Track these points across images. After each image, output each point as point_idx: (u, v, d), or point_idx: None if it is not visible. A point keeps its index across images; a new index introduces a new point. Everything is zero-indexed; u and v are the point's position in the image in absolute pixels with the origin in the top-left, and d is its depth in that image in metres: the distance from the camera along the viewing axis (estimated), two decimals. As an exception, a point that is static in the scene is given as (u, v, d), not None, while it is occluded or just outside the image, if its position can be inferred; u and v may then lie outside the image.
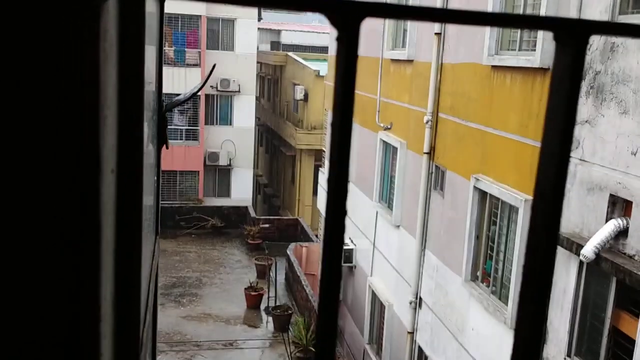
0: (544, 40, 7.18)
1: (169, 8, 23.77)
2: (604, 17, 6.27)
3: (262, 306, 17.65)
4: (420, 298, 10.88)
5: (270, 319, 16.78)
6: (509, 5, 8.33)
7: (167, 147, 2.03)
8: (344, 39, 0.39)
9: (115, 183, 0.73)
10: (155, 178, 2.08)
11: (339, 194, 0.41)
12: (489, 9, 8.42)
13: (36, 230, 0.54)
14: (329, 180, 0.41)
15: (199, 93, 24.90)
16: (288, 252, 19.23)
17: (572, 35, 0.43)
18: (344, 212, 0.42)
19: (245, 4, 0.41)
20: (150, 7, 1.65)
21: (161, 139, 1.97)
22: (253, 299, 17.63)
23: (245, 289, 17.86)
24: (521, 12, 8.01)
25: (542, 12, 7.24)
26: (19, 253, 0.55)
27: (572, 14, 6.69)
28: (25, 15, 0.48)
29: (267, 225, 23.18)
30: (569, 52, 0.42)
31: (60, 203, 0.53)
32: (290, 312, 16.65)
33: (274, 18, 45.00)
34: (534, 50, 7.50)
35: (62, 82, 0.50)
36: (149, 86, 1.72)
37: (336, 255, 0.43)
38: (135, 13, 0.85)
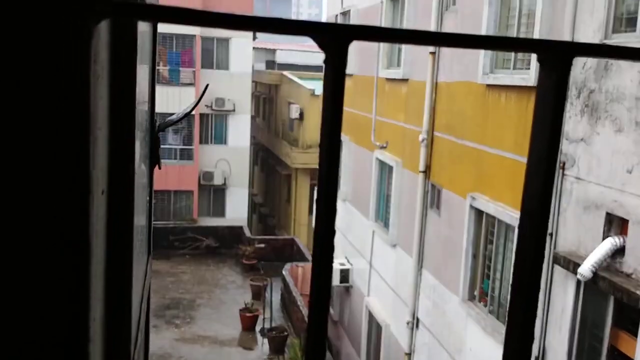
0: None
1: (163, 28, 23.93)
2: (597, 35, 6.31)
3: (258, 328, 17.48)
4: (418, 318, 10.79)
5: (266, 340, 16.61)
6: (502, 25, 8.39)
7: (159, 168, 2.00)
8: (331, 61, 0.38)
9: (106, 204, 0.72)
10: (148, 198, 2.05)
11: (328, 214, 0.39)
12: (483, 28, 8.48)
13: (24, 250, 0.55)
14: (318, 201, 0.41)
15: (192, 112, 24.94)
16: (284, 272, 19.12)
17: (556, 58, 0.43)
18: (332, 231, 0.41)
19: (235, 28, 0.41)
20: (143, 26, 1.63)
21: (154, 159, 1.94)
22: (248, 321, 17.46)
23: (240, 310, 17.70)
24: (515, 31, 8.07)
25: (536, 31, 7.29)
26: (5, 273, 0.55)
27: (566, 32, 6.73)
28: (16, 37, 0.48)
29: (262, 245, 23.06)
30: (553, 74, 0.43)
31: (49, 224, 0.54)
32: (286, 333, 16.49)
33: (269, 37, 45.36)
34: (529, 68, 7.54)
35: (52, 103, 0.50)
36: (142, 106, 1.69)
37: (326, 272, 0.42)
38: (127, 35, 0.84)
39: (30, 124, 0.51)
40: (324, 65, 0.40)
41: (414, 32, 0.42)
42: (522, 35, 7.95)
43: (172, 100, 24.01)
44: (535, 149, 0.44)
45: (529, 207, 0.45)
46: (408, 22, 11.25)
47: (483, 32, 8.53)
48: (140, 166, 1.68)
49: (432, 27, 10.12)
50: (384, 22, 12.41)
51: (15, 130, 0.51)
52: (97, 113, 0.59)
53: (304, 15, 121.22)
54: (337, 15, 15.66)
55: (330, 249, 0.42)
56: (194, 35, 25.05)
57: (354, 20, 14.40)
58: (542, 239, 0.45)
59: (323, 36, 0.39)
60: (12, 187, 0.52)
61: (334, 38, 0.38)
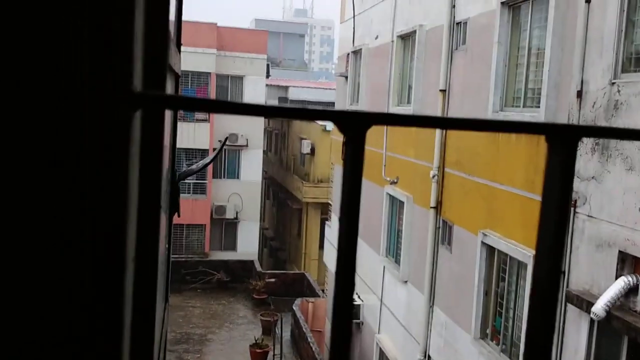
0: (548, 97, 7.29)
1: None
2: (607, 75, 6.38)
3: (268, 363, 17.28)
4: (429, 356, 10.65)
5: (276, 376, 16.40)
6: (512, 64, 8.50)
7: (179, 216, 2.06)
8: (351, 146, 0.43)
9: (133, 270, 0.76)
10: (167, 246, 2.09)
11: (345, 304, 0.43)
12: (493, 67, 8.59)
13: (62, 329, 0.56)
14: (336, 277, 0.43)
15: (207, 148, 25.21)
16: (294, 307, 18.97)
17: (563, 139, 0.45)
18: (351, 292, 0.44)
19: (261, 114, 0.45)
20: (168, 87, 1.71)
21: (174, 208, 1.99)
22: (258, 357, 17.28)
23: (250, 346, 17.54)
24: (524, 70, 8.16)
25: (545, 71, 7.38)
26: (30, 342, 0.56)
27: (575, 72, 6.81)
28: (72, 120, 0.53)
29: (272, 280, 22.96)
30: (560, 153, 0.45)
31: (85, 302, 0.56)
32: (296, 369, 16.28)
33: (282, 75, 45.97)
34: (538, 107, 7.60)
35: (93, 187, 0.54)
36: (165, 157, 1.75)
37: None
38: (156, 121, 0.90)
39: (75, 207, 0.54)
40: (343, 147, 0.45)
41: (427, 117, 0.47)
42: (531, 75, 8.05)
43: (186, 136, 24.30)
44: (544, 227, 0.47)
45: (539, 295, 0.48)
46: (418, 61, 11.41)
47: (493, 71, 8.64)
48: (162, 218, 1.74)
49: (442, 66, 10.25)
50: (394, 60, 12.59)
51: (62, 210, 0.54)
52: (130, 192, 0.64)
53: (317, 54, 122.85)
54: (349, 54, 15.89)
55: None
56: (209, 73, 25.49)
57: (365, 57, 14.62)
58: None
59: (345, 122, 0.43)
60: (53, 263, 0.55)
61: (354, 124, 0.43)
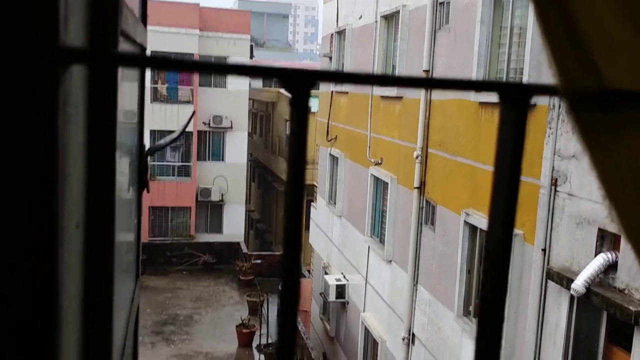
0: (530, 76, 7.33)
1: (162, 46, 24.04)
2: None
3: (254, 344, 17.41)
4: (413, 334, 10.79)
5: (262, 356, 16.54)
6: (494, 43, 8.52)
7: (147, 191, 2.06)
8: (296, 103, 0.44)
9: (82, 236, 0.74)
10: (136, 222, 2.09)
11: (292, 255, 0.44)
12: (475, 46, 8.60)
13: None
14: (284, 237, 0.44)
15: (191, 130, 25.04)
16: (280, 288, 19.04)
17: (516, 98, 0.47)
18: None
19: (214, 72, 0.45)
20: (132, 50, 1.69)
21: (142, 183, 1.99)
22: (245, 337, 17.40)
23: (237, 326, 17.64)
24: (507, 49, 8.18)
25: (527, 49, 7.40)
26: None
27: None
28: None
29: (259, 261, 23.04)
30: (513, 112, 0.46)
31: (18, 260, 0.53)
32: (282, 349, 16.40)
33: (266, 56, 45.61)
34: (520, 86, 7.63)
35: (16, 143, 0.51)
36: (130, 129, 1.74)
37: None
38: (106, 76, 0.87)
39: None
40: (289, 106, 0.45)
41: (373, 76, 0.47)
42: (513, 55, 8.08)
43: (170, 118, 24.11)
44: (498, 180, 0.48)
45: (493, 242, 0.49)
46: (402, 41, 11.39)
47: (475, 50, 8.66)
48: (128, 190, 1.73)
49: (425, 46, 10.24)
50: (378, 40, 12.55)
51: None
52: (68, 152, 0.60)
53: (301, 34, 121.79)
54: (332, 35, 15.81)
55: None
56: (192, 54, 25.23)
57: (349, 38, 14.55)
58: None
59: (289, 79, 0.43)
60: None
61: (299, 81, 0.43)
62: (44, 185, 0.52)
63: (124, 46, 1.22)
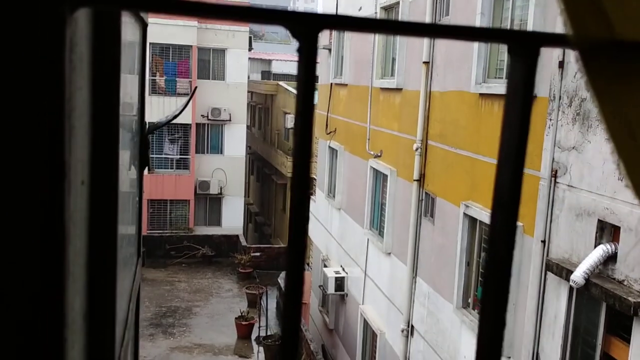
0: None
1: (160, 38, 23.97)
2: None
3: (253, 336, 17.45)
4: (412, 326, 10.81)
5: (262, 349, 16.58)
6: (494, 44, 8.48)
7: (149, 171, 2.05)
8: (304, 49, 0.41)
9: (87, 195, 0.73)
10: (137, 199, 2.08)
11: (302, 201, 0.42)
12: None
13: None
14: (292, 188, 0.42)
15: (190, 123, 24.99)
16: (279, 280, 19.10)
17: (525, 47, 0.44)
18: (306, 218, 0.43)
19: (207, 16, 0.42)
20: (133, 35, 1.68)
21: (143, 162, 1.98)
22: (244, 329, 17.43)
23: (236, 318, 17.67)
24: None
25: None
26: None
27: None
28: None
29: (258, 254, 23.06)
30: (522, 63, 0.44)
31: (23, 210, 0.52)
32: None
33: (265, 48, 45.48)
34: (520, 78, 7.61)
35: (25, 90, 0.50)
36: (131, 109, 1.73)
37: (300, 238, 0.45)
38: (110, 30, 0.85)
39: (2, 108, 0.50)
40: (297, 53, 0.42)
41: (380, 21, 0.44)
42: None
43: (169, 110, 24.03)
44: (505, 138, 0.45)
45: (500, 199, 0.46)
46: (402, 32, 11.35)
47: (475, 43, 8.63)
48: (129, 167, 1.71)
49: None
50: (378, 32, 12.50)
51: None
52: (73, 102, 0.58)
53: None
54: (332, 25, 15.75)
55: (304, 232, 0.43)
56: (191, 46, 25.15)
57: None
58: (513, 230, 0.47)
59: (296, 25, 0.41)
60: None
61: (306, 26, 0.40)
62: (51, 132, 0.51)
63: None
